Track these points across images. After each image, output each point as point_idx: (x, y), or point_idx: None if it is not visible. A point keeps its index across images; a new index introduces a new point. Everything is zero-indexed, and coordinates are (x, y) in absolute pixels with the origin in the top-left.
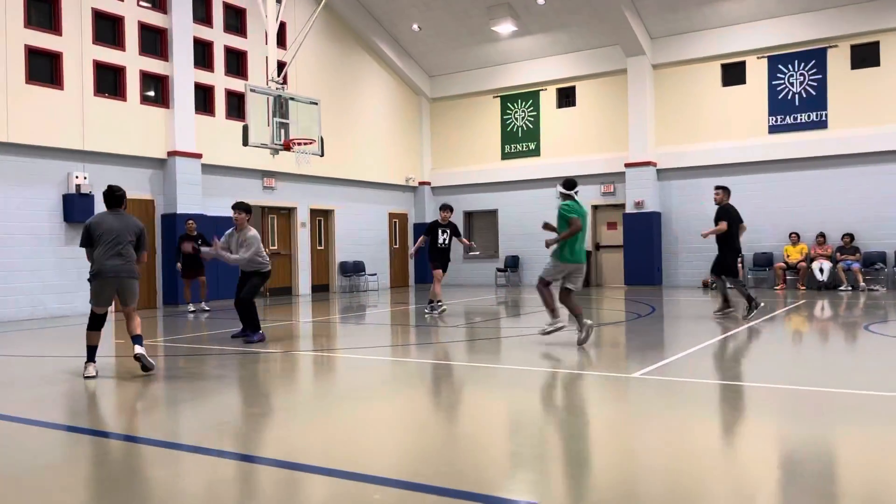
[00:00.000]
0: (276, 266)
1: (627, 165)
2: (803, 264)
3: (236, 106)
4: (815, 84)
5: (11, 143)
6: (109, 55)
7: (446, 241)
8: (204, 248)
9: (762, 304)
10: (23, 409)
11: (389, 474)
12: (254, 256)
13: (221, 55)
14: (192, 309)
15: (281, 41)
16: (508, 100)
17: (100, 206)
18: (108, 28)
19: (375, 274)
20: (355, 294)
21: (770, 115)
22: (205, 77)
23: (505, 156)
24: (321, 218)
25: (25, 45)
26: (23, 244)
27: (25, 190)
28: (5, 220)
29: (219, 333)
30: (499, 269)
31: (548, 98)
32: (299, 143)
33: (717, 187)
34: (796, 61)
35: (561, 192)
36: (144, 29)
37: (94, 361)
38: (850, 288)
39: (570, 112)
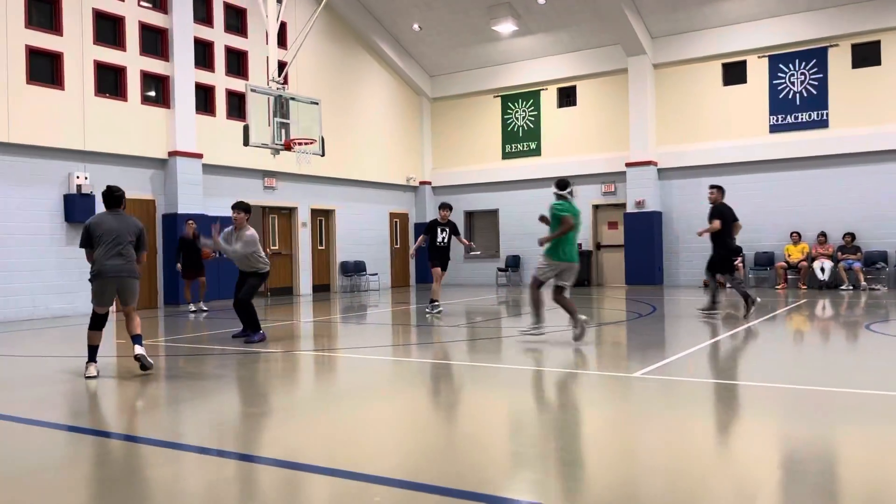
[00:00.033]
0: (278, 266)
1: (628, 165)
2: (804, 264)
3: (237, 106)
4: (816, 83)
5: (12, 143)
6: (110, 55)
7: (445, 240)
8: (204, 240)
9: (759, 301)
10: (24, 409)
11: (390, 474)
12: (252, 255)
13: (222, 55)
14: (193, 309)
15: (281, 41)
16: (509, 99)
17: (101, 206)
18: (108, 28)
19: (376, 274)
20: (356, 294)
21: (771, 114)
22: (205, 77)
23: (506, 155)
24: (322, 218)
25: (26, 46)
26: (24, 244)
27: (26, 190)
28: (6, 220)
29: (219, 333)
30: (499, 269)
31: (548, 98)
32: (300, 143)
33: (712, 186)
34: (797, 60)
35: (555, 193)
36: (145, 29)
37: (96, 361)
38: (851, 287)
39: (570, 112)
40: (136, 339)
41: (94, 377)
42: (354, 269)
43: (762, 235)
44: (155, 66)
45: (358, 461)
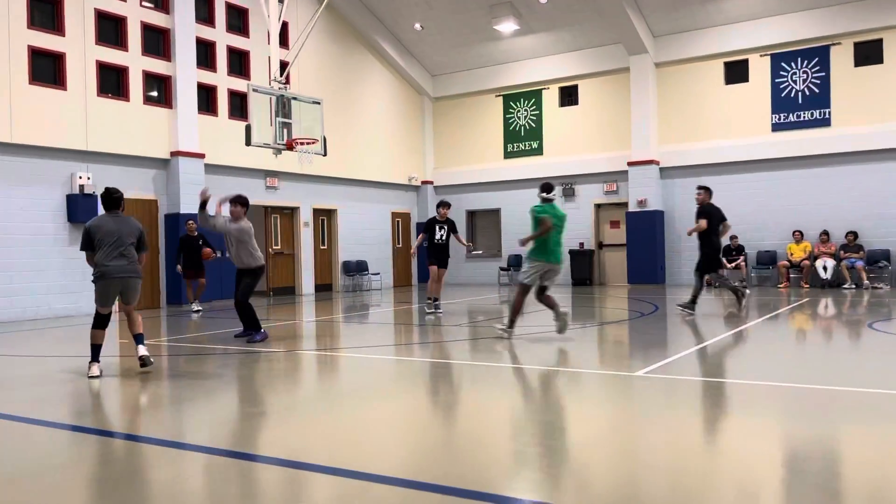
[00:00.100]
0: (280, 266)
1: (630, 164)
2: (807, 262)
3: (239, 106)
4: (819, 82)
5: (15, 143)
6: (112, 55)
7: (444, 238)
8: (204, 212)
9: (748, 292)
10: (26, 409)
11: (392, 473)
12: (245, 247)
13: (224, 55)
14: (196, 308)
15: (283, 41)
16: (511, 99)
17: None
18: (110, 28)
19: (378, 273)
20: (358, 293)
21: (773, 112)
22: (207, 77)
23: (507, 155)
24: (324, 217)
25: (28, 46)
26: (27, 244)
27: (29, 190)
28: (9, 220)
29: (221, 333)
30: (501, 269)
31: (550, 97)
32: (302, 143)
33: (699, 187)
34: (799, 59)
35: (539, 196)
36: (147, 29)
37: (99, 361)
38: (853, 286)
39: (572, 111)
40: (139, 339)
41: (96, 377)
42: (356, 268)
43: (764, 234)
44: (157, 66)
45: (360, 460)
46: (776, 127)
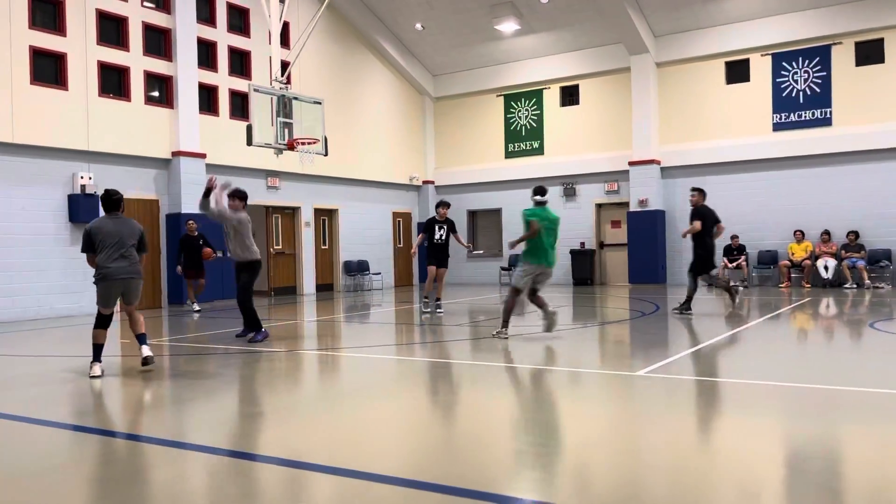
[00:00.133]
0: (281, 265)
1: (631, 164)
2: (808, 262)
3: (240, 106)
4: (820, 81)
5: (16, 143)
6: (113, 56)
7: (443, 237)
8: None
9: (741, 289)
10: (28, 409)
11: (393, 473)
12: (241, 239)
13: (225, 55)
14: (197, 308)
15: (284, 41)
16: (512, 98)
17: None
18: (112, 29)
19: (380, 273)
20: (359, 293)
21: (774, 112)
22: (209, 77)
23: (508, 154)
24: (325, 217)
25: (30, 46)
26: (28, 244)
27: (30, 190)
28: (10, 220)
29: (222, 333)
30: (503, 269)
31: (551, 96)
32: (303, 143)
33: (693, 189)
34: (800, 59)
35: (533, 199)
36: (148, 29)
37: (100, 361)
38: (855, 286)
39: (573, 110)
40: (141, 339)
41: (98, 377)
42: (358, 268)
43: (765, 234)
44: (158, 66)
45: (360, 460)
46: (777, 127)
